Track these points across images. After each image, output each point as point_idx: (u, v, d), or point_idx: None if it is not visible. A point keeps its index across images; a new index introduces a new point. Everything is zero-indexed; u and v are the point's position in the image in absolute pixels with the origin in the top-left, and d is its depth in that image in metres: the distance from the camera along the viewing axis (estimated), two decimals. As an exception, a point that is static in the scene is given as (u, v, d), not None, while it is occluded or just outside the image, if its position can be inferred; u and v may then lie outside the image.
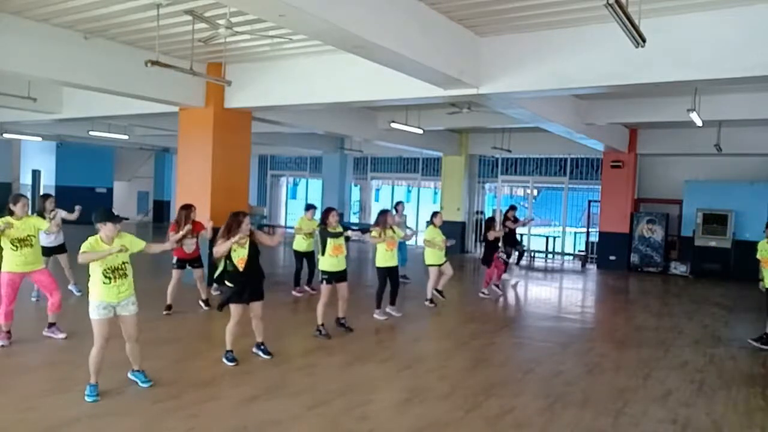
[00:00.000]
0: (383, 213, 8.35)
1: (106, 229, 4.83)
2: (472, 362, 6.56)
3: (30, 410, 4.59)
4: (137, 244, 5.06)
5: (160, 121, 13.81)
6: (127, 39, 8.59)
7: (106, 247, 4.80)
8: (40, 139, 18.74)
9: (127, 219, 4.93)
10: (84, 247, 4.76)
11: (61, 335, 6.57)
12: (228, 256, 5.77)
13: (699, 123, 9.92)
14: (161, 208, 25.01)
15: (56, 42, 8.06)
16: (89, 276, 4.88)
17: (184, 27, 7.65)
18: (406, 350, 7.12)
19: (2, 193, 24.36)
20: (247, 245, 5.83)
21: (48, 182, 21.60)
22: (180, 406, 4.78)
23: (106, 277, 4.82)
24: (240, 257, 5.79)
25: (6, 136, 17.69)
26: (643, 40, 4.96)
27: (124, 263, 4.93)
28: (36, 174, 22.47)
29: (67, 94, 12.17)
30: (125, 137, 17.10)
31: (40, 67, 8.13)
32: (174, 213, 9.19)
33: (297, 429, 4.50)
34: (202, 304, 8.49)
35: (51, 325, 6.60)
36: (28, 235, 6.26)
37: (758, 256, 7.52)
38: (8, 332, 6.27)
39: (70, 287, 8.85)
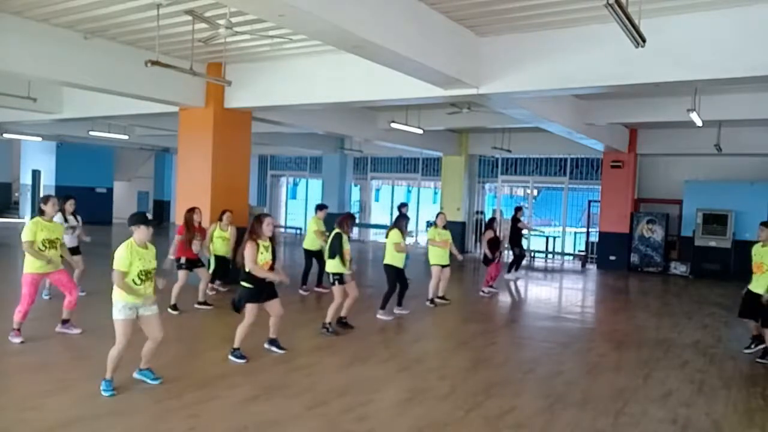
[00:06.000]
0: (403, 217, 8.87)
1: (139, 232, 4.95)
2: (472, 362, 6.56)
3: (30, 410, 4.59)
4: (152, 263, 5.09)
5: (160, 121, 13.82)
6: (127, 39, 8.59)
7: (141, 251, 4.93)
8: (40, 139, 18.74)
9: (160, 223, 5.04)
10: (120, 261, 4.82)
11: (76, 330, 6.76)
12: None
13: (699, 123, 9.92)
14: (161, 208, 25.02)
15: (56, 42, 8.06)
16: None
17: (184, 27, 7.65)
18: (407, 350, 7.13)
19: (2, 193, 24.45)
20: (270, 249, 5.96)
21: (48, 182, 21.60)
22: (180, 406, 4.78)
23: (139, 278, 4.93)
24: (265, 260, 5.90)
25: (6, 136, 17.69)
26: (643, 40, 4.96)
27: (154, 268, 5.09)
28: (36, 174, 22.46)
29: (67, 94, 12.17)
30: (125, 137, 17.11)
31: (40, 67, 8.13)
32: (174, 213, 9.21)
33: (297, 429, 4.50)
34: (198, 306, 8.45)
35: (65, 321, 6.79)
36: (57, 237, 6.49)
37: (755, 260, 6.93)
38: (19, 330, 6.35)
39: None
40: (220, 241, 9.17)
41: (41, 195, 21.53)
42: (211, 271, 9.49)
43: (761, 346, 6.90)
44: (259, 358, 6.10)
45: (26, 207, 22.82)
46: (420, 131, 12.92)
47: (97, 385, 4.92)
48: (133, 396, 4.95)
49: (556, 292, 12.71)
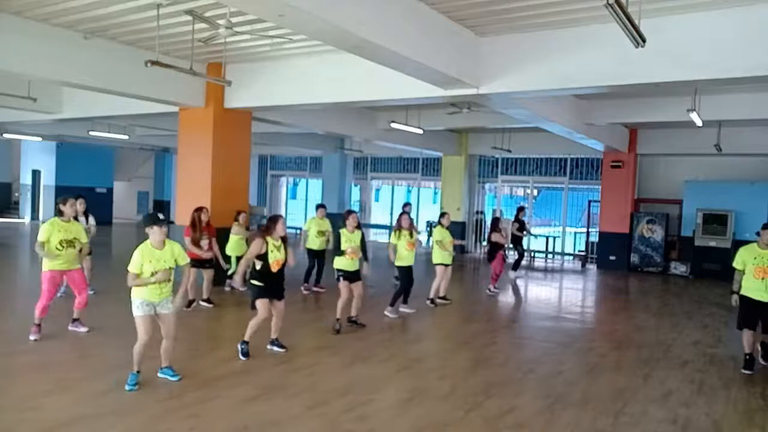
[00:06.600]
0: (402, 215, 8.89)
1: (153, 233, 5.07)
2: (472, 362, 6.56)
3: (30, 410, 4.59)
4: (182, 258, 5.26)
5: (160, 121, 13.82)
6: (127, 39, 8.59)
7: (156, 252, 5.04)
8: (40, 139, 18.74)
9: (170, 222, 5.21)
10: (133, 263, 4.98)
11: (83, 329, 6.85)
12: (262, 257, 5.99)
13: (699, 123, 9.92)
14: (161, 208, 25.02)
15: (56, 42, 8.06)
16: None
17: (184, 27, 7.65)
18: (407, 350, 7.13)
19: (2, 193, 24.45)
20: (282, 249, 6.10)
21: (48, 182, 21.62)
22: (181, 406, 4.78)
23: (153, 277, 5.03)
24: (276, 259, 6.05)
25: (6, 136, 17.69)
26: (643, 40, 4.96)
27: (171, 267, 5.16)
28: (36, 174, 22.47)
29: (67, 94, 12.17)
30: (125, 137, 17.12)
31: (40, 67, 8.13)
32: (174, 213, 9.22)
33: (297, 429, 4.50)
34: (204, 303, 8.57)
35: (75, 320, 6.91)
36: (74, 238, 6.58)
37: (756, 264, 6.32)
38: (39, 326, 6.47)
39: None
40: (240, 240, 9.37)
41: (41, 195, 21.74)
42: (231, 272, 9.53)
43: None
44: (259, 358, 6.10)
45: (26, 207, 22.83)
46: (420, 131, 12.92)
47: (98, 384, 4.96)
48: (133, 396, 4.95)
49: (556, 292, 12.71)
